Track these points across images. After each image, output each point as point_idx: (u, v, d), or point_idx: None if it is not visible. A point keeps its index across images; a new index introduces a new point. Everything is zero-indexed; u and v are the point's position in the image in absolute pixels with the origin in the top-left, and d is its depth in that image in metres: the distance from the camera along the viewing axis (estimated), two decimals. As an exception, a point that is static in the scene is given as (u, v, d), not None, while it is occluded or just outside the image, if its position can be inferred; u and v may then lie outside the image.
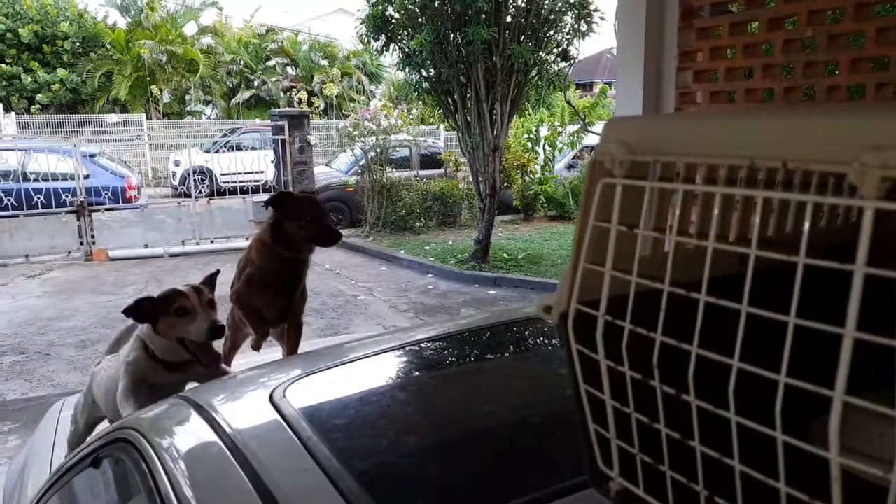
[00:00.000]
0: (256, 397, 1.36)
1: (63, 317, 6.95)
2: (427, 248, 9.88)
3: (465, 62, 7.95)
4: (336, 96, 20.88)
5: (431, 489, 1.06)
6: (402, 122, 11.70)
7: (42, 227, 9.38)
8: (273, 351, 2.37)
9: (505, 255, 9.11)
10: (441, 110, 8.97)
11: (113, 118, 18.89)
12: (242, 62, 22.13)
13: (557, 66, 8.54)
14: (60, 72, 19.52)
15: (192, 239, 10.13)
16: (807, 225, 0.52)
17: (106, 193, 9.93)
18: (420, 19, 7.96)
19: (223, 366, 2.01)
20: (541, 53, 8.24)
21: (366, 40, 8.73)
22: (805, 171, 0.53)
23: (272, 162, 11.22)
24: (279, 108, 18.25)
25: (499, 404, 1.37)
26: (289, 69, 22.34)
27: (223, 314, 2.01)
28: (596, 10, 8.23)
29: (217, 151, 13.57)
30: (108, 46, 20.42)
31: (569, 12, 8.19)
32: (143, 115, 19.61)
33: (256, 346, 2.25)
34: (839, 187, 0.54)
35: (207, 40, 21.70)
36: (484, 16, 7.59)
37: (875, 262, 0.46)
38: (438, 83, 8.28)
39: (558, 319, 0.73)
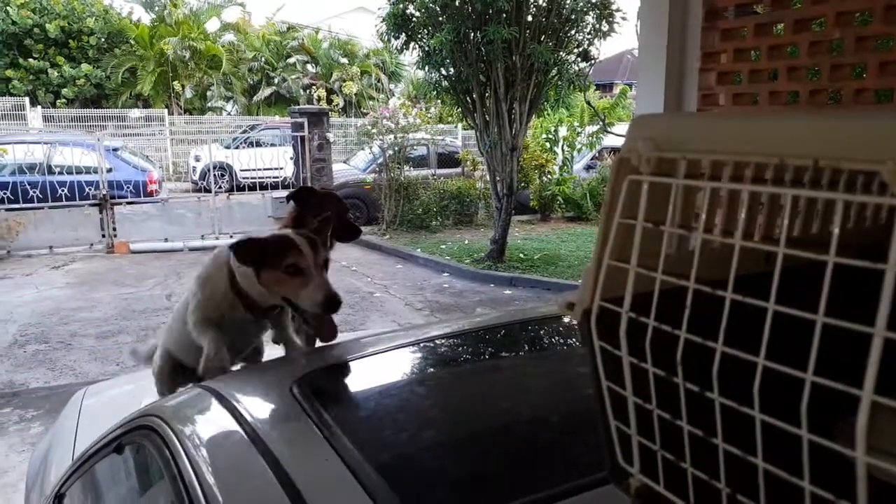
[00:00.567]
0: (277, 388, 1.38)
1: (85, 307, 7.06)
2: (443, 246, 9.89)
3: (485, 61, 7.95)
4: (355, 94, 20.97)
5: (449, 481, 1.07)
6: (421, 120, 11.72)
7: (65, 220, 9.53)
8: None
9: (521, 256, 9.09)
10: (459, 109, 8.98)
11: (135, 113, 19.12)
12: (263, 59, 22.29)
13: (578, 66, 8.51)
14: (85, 67, 19.79)
15: (212, 233, 10.23)
16: (836, 223, 0.52)
17: (128, 187, 10.08)
18: (440, 18, 7.97)
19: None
20: (561, 53, 8.21)
21: (386, 38, 8.75)
22: (833, 172, 0.53)
23: (291, 159, 11.30)
24: (299, 105, 18.37)
25: (516, 400, 1.37)
26: (309, 67, 22.47)
27: None
28: (618, 9, 8.20)
29: (237, 147, 13.71)
30: (133, 42, 20.67)
31: (590, 12, 8.16)
32: (165, 111, 19.83)
33: (277, 340, 2.27)
34: (868, 189, 0.54)
35: (230, 37, 21.90)
36: (504, 15, 7.58)
37: (905, 262, 0.46)
38: (458, 82, 8.28)
39: (581, 316, 0.73)
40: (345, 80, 21.16)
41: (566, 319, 1.81)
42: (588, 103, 9.74)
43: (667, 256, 0.67)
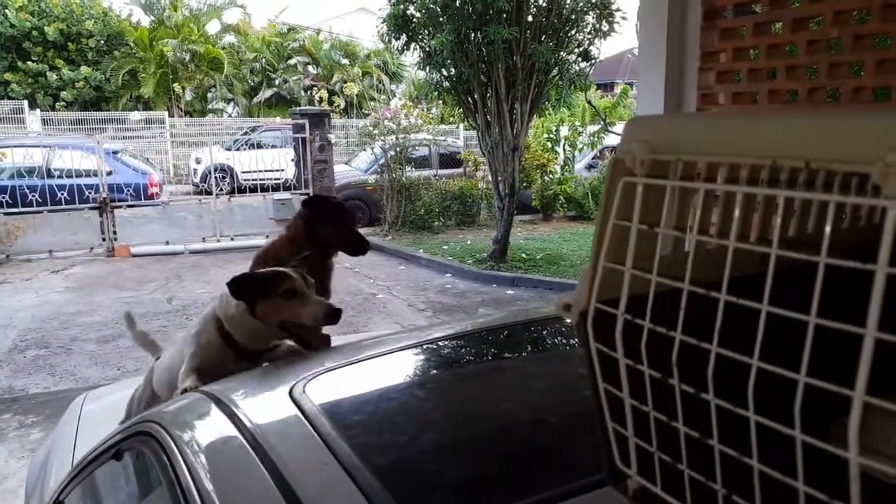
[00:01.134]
0: (276, 392, 1.38)
1: (85, 312, 7.05)
2: (445, 247, 9.89)
3: (486, 61, 7.95)
4: (356, 95, 20.96)
5: (449, 485, 1.07)
6: (422, 121, 11.72)
7: (65, 223, 9.51)
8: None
9: (523, 255, 9.09)
10: (461, 110, 8.98)
11: (136, 116, 19.14)
12: (264, 60, 22.31)
13: (578, 65, 8.52)
14: (85, 69, 19.79)
15: (213, 236, 10.23)
16: (829, 225, 0.52)
17: (128, 190, 10.06)
18: (441, 18, 7.97)
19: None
20: (562, 53, 8.21)
21: (387, 39, 8.76)
22: (828, 173, 0.53)
23: (292, 160, 11.30)
24: (300, 106, 18.37)
25: (516, 402, 1.37)
26: (310, 68, 22.48)
27: None
28: (618, 9, 8.20)
29: (238, 149, 13.72)
30: (132, 44, 20.67)
31: (590, 12, 8.16)
32: (166, 113, 19.84)
33: None
34: (862, 189, 0.54)
35: (230, 39, 21.92)
36: (505, 15, 7.59)
37: (897, 263, 0.46)
38: (459, 82, 8.29)
39: (578, 318, 0.73)
40: (346, 81, 21.16)
41: (567, 320, 1.80)
42: (589, 103, 9.74)
43: (662, 258, 0.67)
